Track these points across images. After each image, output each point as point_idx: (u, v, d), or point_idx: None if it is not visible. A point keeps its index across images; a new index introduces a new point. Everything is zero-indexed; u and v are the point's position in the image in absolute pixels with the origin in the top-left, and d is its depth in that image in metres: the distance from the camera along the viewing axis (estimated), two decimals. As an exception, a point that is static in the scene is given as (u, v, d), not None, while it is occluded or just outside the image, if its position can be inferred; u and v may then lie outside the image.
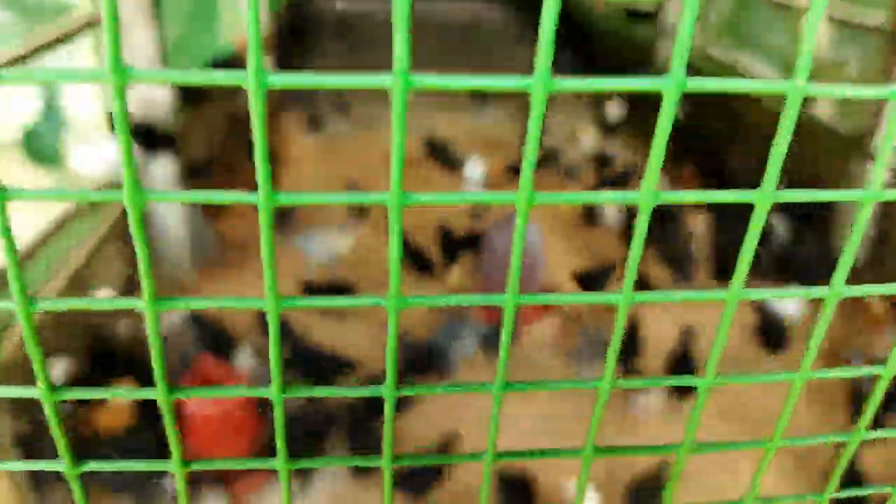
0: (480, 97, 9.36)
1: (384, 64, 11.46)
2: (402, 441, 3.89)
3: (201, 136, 7.00)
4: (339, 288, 4.94)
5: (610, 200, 0.48)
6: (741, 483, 3.82)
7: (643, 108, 9.92)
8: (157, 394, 0.56)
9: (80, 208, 3.91)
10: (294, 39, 13.48)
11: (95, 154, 3.85)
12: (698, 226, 6.20)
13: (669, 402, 4.30)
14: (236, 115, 8.42)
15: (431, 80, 0.42)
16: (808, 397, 4.50)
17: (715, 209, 6.32)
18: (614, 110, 9.26)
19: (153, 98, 4.35)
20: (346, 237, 5.52)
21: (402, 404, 3.92)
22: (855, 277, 5.83)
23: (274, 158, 7.24)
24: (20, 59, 3.57)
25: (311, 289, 4.88)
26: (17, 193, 0.44)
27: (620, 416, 4.23)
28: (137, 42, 4.61)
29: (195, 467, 0.61)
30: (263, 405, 4.05)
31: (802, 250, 5.65)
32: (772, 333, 4.68)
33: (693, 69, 9.30)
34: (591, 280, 5.05)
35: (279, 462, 0.61)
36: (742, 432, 4.15)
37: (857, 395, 4.26)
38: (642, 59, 10.43)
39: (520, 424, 4.16)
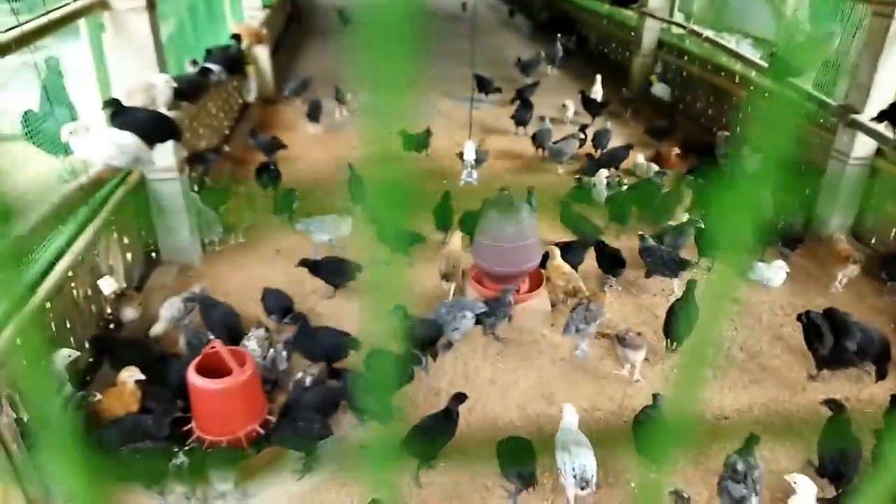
0: (483, 84, 9.33)
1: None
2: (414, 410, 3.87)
3: (207, 125, 6.94)
4: (338, 263, 5.00)
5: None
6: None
7: (610, 70, 9.88)
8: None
9: (80, 195, 3.84)
10: (292, 26, 13.39)
11: (95, 140, 3.76)
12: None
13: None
14: (239, 106, 8.37)
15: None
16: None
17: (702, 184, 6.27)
18: (598, 90, 9.29)
19: (154, 84, 4.28)
20: (346, 221, 5.50)
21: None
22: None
23: (275, 147, 7.17)
24: (22, 42, 3.50)
25: (313, 265, 4.92)
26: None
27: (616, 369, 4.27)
28: (135, 27, 4.54)
29: None
30: (271, 382, 4.01)
31: (788, 221, 5.64)
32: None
33: (676, 48, 9.26)
34: (571, 252, 5.14)
35: None
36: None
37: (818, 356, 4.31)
38: (628, 43, 10.39)
39: (518, 387, 4.22)
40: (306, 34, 13.69)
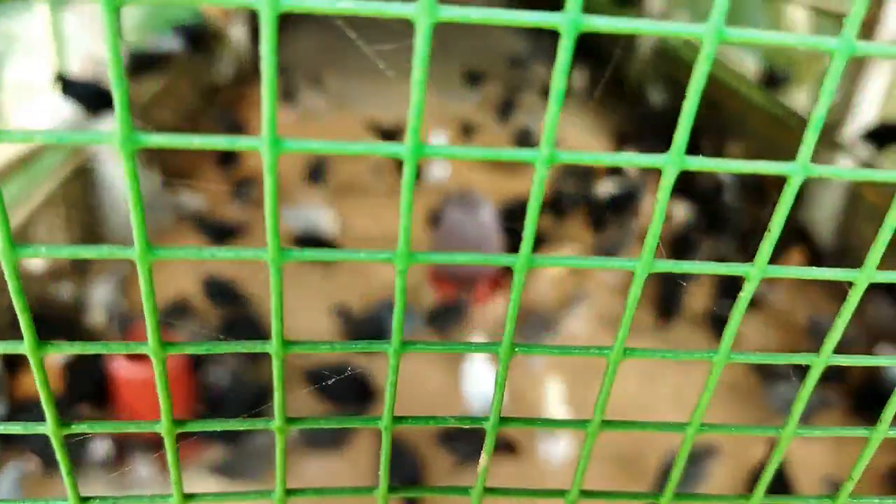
0: (471, 79, 9.32)
1: (382, 37, 11.36)
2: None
3: (170, 105, 6.90)
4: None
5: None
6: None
7: (602, 74, 9.89)
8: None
9: (16, 164, 3.81)
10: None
11: (41, 113, 3.75)
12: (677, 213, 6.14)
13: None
14: (210, 87, 8.32)
15: (458, 12, 0.39)
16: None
17: (693, 197, 6.26)
18: (577, 79, 9.43)
19: (99, 55, 4.25)
20: (327, 214, 5.51)
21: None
22: (820, 263, 5.83)
23: (240, 129, 7.13)
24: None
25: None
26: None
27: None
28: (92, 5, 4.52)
29: (188, 428, 0.62)
30: (199, 366, 3.94)
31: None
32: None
33: (675, 56, 9.28)
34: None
35: (277, 422, 0.59)
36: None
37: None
38: (626, 44, 10.40)
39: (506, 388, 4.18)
40: (300, 17, 13.63)
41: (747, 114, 7.17)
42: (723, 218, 6.03)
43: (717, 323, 4.78)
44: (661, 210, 0.50)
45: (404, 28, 0.44)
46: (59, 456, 0.58)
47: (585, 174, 6.95)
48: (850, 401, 4.29)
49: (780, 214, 0.53)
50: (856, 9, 0.43)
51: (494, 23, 0.40)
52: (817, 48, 0.46)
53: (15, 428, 0.58)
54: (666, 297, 4.82)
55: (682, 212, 6.00)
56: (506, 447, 3.59)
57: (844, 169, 0.52)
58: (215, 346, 0.56)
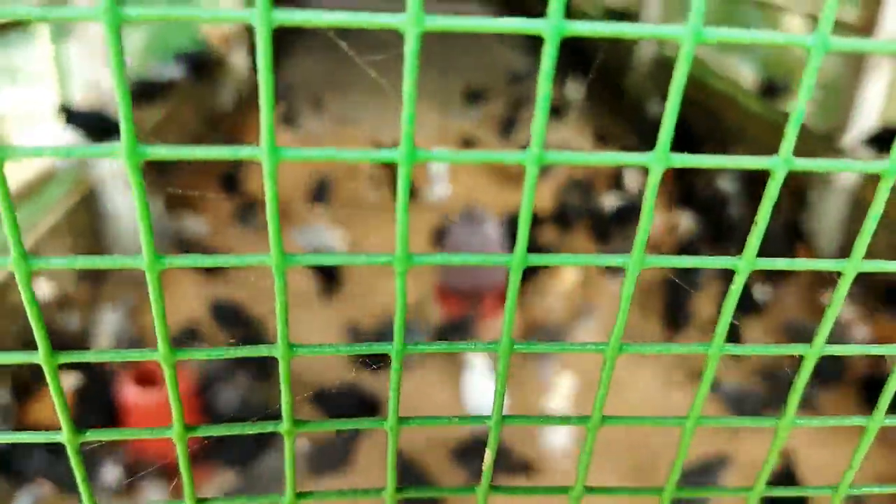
0: (473, 97, 9.36)
1: (376, 65, 11.40)
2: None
3: (174, 132, 6.95)
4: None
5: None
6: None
7: (601, 88, 9.91)
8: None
9: (22, 194, 3.85)
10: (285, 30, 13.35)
11: (44, 143, 3.79)
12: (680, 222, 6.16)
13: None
14: (212, 114, 8.38)
15: (444, 21, 0.41)
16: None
17: (696, 207, 6.28)
18: (573, 91, 9.47)
19: (101, 84, 4.31)
20: (335, 233, 5.54)
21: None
22: (822, 272, 5.79)
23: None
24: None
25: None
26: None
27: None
28: (95, 36, 4.58)
29: (199, 433, 0.62)
30: (209, 389, 3.95)
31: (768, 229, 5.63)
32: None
33: (670, 66, 9.28)
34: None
35: (285, 425, 0.61)
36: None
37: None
38: (623, 58, 10.45)
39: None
40: (299, 38, 13.71)
41: (747, 123, 7.19)
42: (728, 229, 6.03)
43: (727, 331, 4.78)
44: (649, 209, 0.52)
45: (394, 38, 0.46)
46: (74, 463, 0.60)
47: (589, 187, 6.97)
48: (860, 394, 4.30)
49: (766, 208, 0.54)
50: (829, 6, 0.45)
51: (480, 30, 0.42)
52: (794, 45, 0.47)
53: (32, 437, 0.60)
54: (673, 306, 4.82)
55: (687, 222, 6.02)
56: (522, 468, 3.59)
57: (825, 161, 0.54)
58: (222, 351, 0.58)
